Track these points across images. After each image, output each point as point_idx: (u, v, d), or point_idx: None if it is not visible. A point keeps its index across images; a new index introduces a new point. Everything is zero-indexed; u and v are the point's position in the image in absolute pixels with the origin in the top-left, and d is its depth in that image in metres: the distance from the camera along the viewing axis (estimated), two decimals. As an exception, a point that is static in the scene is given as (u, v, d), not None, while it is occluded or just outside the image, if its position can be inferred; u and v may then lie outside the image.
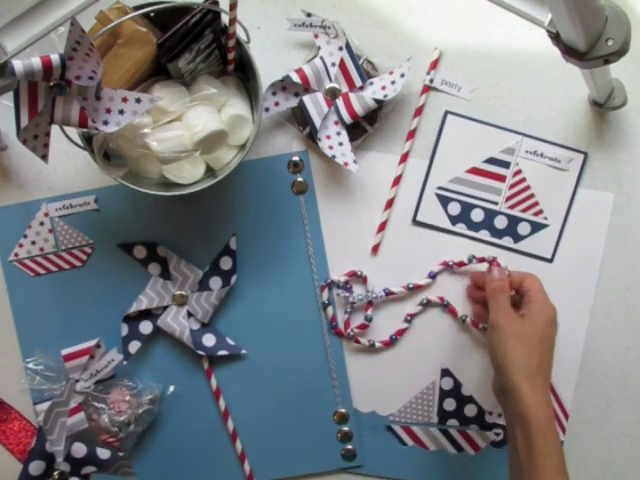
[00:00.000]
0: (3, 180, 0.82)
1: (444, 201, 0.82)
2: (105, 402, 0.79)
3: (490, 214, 0.81)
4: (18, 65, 0.61)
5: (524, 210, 0.81)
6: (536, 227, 0.81)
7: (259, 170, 0.82)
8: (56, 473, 0.73)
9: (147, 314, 0.80)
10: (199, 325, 0.81)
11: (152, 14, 0.70)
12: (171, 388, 0.81)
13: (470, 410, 0.82)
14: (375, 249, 0.82)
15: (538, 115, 0.81)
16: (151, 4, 0.69)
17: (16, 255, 0.81)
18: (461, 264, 0.81)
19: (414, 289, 0.81)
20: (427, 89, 0.82)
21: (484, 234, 0.82)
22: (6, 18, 0.60)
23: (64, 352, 0.78)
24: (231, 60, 0.74)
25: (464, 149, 0.81)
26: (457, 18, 0.82)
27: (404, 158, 0.82)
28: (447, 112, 0.81)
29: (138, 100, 0.65)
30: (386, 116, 0.82)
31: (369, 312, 0.81)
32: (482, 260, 0.81)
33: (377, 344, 0.82)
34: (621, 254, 0.81)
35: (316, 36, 0.80)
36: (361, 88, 0.80)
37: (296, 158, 0.82)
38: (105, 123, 0.65)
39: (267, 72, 0.77)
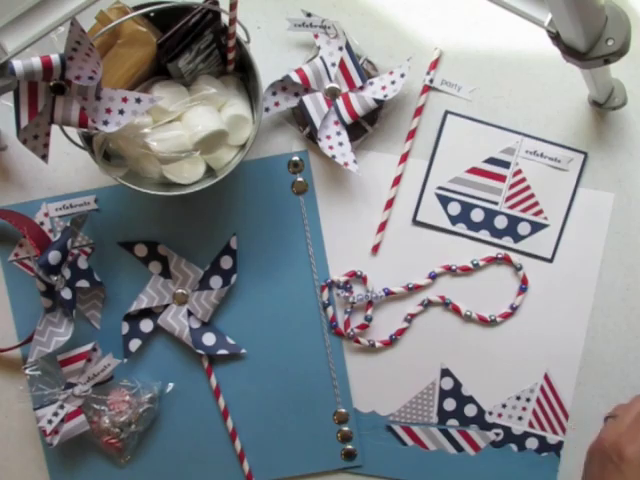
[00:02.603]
0: (3, 180, 0.82)
1: (444, 201, 0.82)
2: (105, 403, 0.79)
3: (490, 214, 0.81)
4: (18, 65, 0.61)
5: (524, 210, 0.81)
6: (536, 227, 0.81)
7: (259, 170, 0.82)
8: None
9: (148, 312, 0.80)
10: (199, 324, 0.81)
11: (152, 14, 0.70)
12: (170, 385, 0.81)
13: (470, 410, 0.82)
14: (375, 249, 0.82)
15: (538, 115, 0.81)
16: (151, 4, 0.69)
17: (16, 255, 0.81)
18: (465, 269, 0.81)
19: (414, 289, 0.81)
20: (427, 89, 0.82)
21: (484, 234, 0.82)
22: (6, 18, 0.60)
23: (60, 357, 0.77)
24: (231, 60, 0.74)
25: (464, 149, 0.81)
26: (457, 18, 0.82)
27: (404, 158, 0.82)
28: (447, 112, 0.81)
29: (138, 100, 0.65)
30: (386, 116, 0.82)
31: (369, 312, 0.81)
32: (489, 260, 0.81)
33: (377, 344, 0.82)
34: (621, 254, 0.81)
35: (316, 36, 0.80)
36: (361, 88, 0.80)
37: (296, 158, 0.82)
38: (105, 123, 0.65)
39: (267, 72, 0.77)
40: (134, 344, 0.80)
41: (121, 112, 0.65)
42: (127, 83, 0.70)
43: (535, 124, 0.81)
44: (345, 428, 0.82)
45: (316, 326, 0.82)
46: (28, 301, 0.80)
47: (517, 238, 0.81)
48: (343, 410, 0.82)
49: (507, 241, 0.82)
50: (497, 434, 0.82)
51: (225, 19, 0.71)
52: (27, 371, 0.78)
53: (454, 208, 0.81)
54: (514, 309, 0.81)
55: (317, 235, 0.82)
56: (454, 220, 0.82)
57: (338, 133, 0.80)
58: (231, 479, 0.82)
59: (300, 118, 0.81)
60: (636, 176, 0.81)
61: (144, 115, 0.70)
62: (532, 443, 0.82)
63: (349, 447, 0.82)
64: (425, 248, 0.82)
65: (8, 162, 0.82)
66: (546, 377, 0.81)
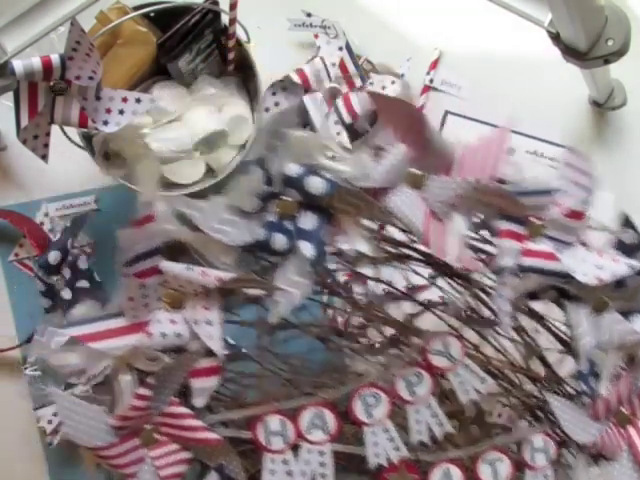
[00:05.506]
0: (3, 180, 0.81)
1: (444, 201, 0.81)
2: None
3: (490, 214, 0.81)
4: (18, 65, 0.61)
5: (524, 210, 0.81)
6: (536, 227, 0.81)
7: (259, 170, 0.81)
8: None
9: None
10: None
11: (152, 14, 0.71)
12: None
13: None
14: (375, 249, 0.82)
15: (538, 115, 0.81)
16: (151, 4, 0.69)
17: (16, 255, 0.81)
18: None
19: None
20: (427, 89, 0.82)
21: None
22: (6, 18, 0.60)
23: None
24: (231, 60, 0.74)
25: (464, 149, 0.81)
26: (457, 18, 0.82)
27: (404, 158, 0.81)
28: (447, 112, 0.81)
29: (138, 100, 0.65)
30: (386, 116, 0.82)
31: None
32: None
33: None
34: (621, 254, 0.81)
35: (316, 36, 0.80)
36: (361, 88, 0.80)
37: (296, 158, 0.82)
38: (105, 123, 0.65)
39: (267, 72, 0.77)
40: (134, 344, 0.80)
41: (121, 112, 0.65)
42: (127, 83, 0.70)
43: (535, 124, 0.81)
44: (345, 428, 0.82)
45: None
46: (28, 301, 0.80)
47: (517, 238, 0.81)
48: (343, 410, 0.82)
49: (507, 241, 0.81)
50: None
51: (225, 19, 0.71)
52: (27, 371, 0.78)
53: (454, 208, 0.81)
54: (514, 309, 0.81)
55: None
56: (454, 220, 0.81)
57: (338, 133, 0.79)
58: (231, 479, 0.82)
59: (300, 118, 0.81)
60: (636, 176, 0.81)
61: (144, 115, 0.70)
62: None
63: (349, 447, 0.82)
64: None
65: (8, 162, 0.82)
66: (546, 377, 0.81)
